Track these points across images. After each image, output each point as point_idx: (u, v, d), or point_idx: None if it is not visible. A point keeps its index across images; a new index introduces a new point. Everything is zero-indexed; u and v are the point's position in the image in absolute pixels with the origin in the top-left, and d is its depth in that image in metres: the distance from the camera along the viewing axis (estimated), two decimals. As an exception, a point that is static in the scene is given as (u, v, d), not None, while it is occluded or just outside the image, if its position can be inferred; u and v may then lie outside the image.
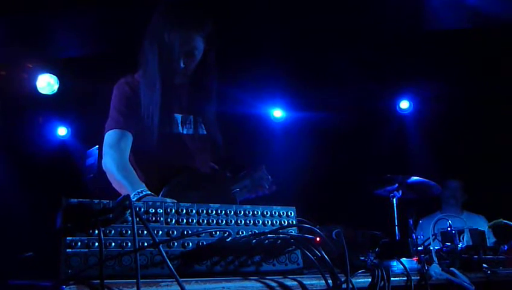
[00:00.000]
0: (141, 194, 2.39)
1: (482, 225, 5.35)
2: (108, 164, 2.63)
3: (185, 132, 2.90)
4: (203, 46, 2.76)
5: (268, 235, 1.84)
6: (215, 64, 2.90)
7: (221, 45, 2.86)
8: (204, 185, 2.75)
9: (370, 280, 1.92)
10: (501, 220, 3.10)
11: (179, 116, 2.89)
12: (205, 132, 2.97)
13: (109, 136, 2.70)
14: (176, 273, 1.50)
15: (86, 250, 1.58)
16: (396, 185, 3.96)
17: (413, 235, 2.81)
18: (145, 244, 1.65)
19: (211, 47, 2.83)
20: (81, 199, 1.63)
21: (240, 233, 1.84)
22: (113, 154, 2.64)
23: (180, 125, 2.88)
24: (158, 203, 1.77)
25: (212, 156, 3.03)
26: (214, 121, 2.99)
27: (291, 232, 1.89)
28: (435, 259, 2.32)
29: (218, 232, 1.80)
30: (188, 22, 2.69)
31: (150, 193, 2.43)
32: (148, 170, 2.78)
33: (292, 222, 1.95)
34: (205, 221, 1.81)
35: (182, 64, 2.73)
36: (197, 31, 2.72)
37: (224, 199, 2.70)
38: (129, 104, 2.75)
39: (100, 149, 2.83)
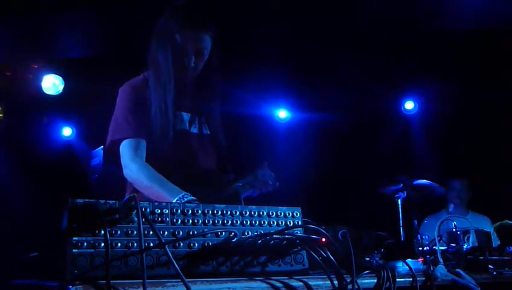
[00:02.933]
0: (184, 200, 2.41)
1: (486, 225, 5.35)
2: (135, 175, 2.66)
3: (191, 130, 2.91)
4: (210, 45, 2.80)
5: (274, 236, 1.83)
6: (219, 64, 2.92)
7: (226, 45, 2.88)
8: (206, 182, 2.77)
9: (375, 280, 1.92)
10: (507, 221, 3.09)
11: (185, 115, 2.91)
12: (209, 132, 2.99)
13: (125, 147, 2.71)
14: (181, 273, 1.51)
15: (92, 250, 1.58)
16: (401, 185, 3.97)
17: (418, 236, 2.81)
18: (151, 244, 1.65)
19: (216, 46, 2.86)
20: (87, 199, 1.64)
21: (246, 234, 1.84)
22: (136, 166, 2.66)
23: (187, 123, 2.90)
24: (164, 204, 1.78)
25: (215, 157, 3.04)
26: (218, 121, 3.00)
27: (297, 232, 1.89)
28: (441, 260, 2.32)
29: (223, 233, 1.80)
30: (198, 22, 2.74)
31: (192, 197, 2.43)
32: (151, 165, 2.79)
33: (298, 222, 1.95)
34: (211, 221, 1.81)
35: (192, 64, 2.76)
36: (206, 31, 2.76)
37: (226, 194, 2.71)
38: (136, 109, 2.76)
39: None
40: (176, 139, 2.77)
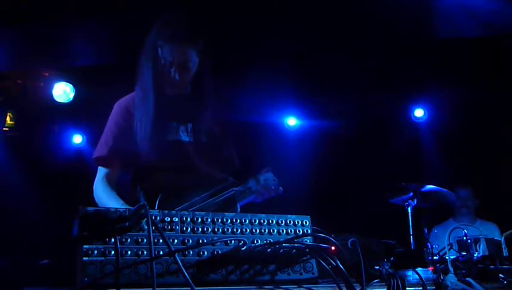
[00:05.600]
0: None
1: (495, 233, 5.32)
2: (99, 193, 2.83)
3: (185, 139, 2.93)
4: (197, 59, 2.85)
5: (284, 245, 1.83)
6: (210, 75, 2.96)
7: (236, 54, 2.91)
8: (203, 188, 2.78)
9: (385, 289, 1.91)
10: (516, 229, 3.05)
11: (177, 124, 2.94)
12: (205, 140, 3.00)
13: (99, 170, 2.92)
14: (191, 281, 1.51)
15: (102, 258, 1.59)
16: (411, 193, 3.94)
17: (428, 244, 2.79)
18: (161, 252, 1.66)
19: (206, 59, 2.90)
20: (97, 207, 1.65)
21: (255, 242, 1.84)
22: (101, 187, 2.84)
23: (179, 132, 2.92)
24: (174, 212, 1.78)
25: (215, 163, 3.04)
26: (212, 128, 3.02)
27: (306, 241, 1.89)
28: (451, 269, 2.31)
29: (233, 241, 1.80)
30: (180, 36, 2.79)
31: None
32: (148, 177, 2.84)
33: (307, 231, 1.95)
34: (220, 230, 1.82)
35: (177, 77, 2.81)
36: (189, 45, 2.81)
37: (222, 199, 2.72)
38: (119, 132, 2.91)
39: None
40: (170, 149, 2.83)
